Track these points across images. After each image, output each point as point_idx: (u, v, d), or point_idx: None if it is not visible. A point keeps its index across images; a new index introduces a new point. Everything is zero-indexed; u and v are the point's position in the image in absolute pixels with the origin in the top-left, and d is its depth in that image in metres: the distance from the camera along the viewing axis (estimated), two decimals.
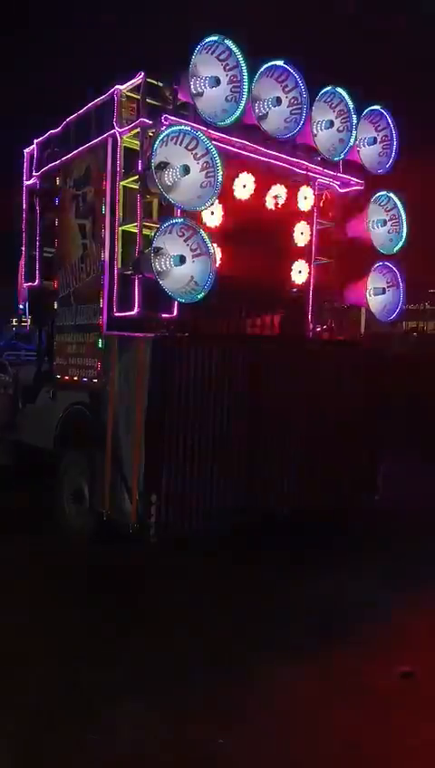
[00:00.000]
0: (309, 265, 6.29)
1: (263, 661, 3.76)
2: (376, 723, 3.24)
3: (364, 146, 6.33)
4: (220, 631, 4.12)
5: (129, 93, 5.27)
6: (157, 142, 4.78)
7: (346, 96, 5.97)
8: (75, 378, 5.78)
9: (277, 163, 5.92)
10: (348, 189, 6.54)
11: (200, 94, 5.12)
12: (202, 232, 5.02)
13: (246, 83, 5.18)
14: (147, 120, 5.04)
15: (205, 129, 5.07)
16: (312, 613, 4.45)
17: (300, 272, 6.24)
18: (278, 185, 5.98)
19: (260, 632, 4.15)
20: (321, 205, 6.46)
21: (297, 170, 6.08)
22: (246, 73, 5.17)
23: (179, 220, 5.00)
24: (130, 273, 5.13)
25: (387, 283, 6.41)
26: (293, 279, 6.23)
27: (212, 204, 5.11)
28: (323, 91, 5.85)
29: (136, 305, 5.11)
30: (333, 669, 3.73)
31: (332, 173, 6.31)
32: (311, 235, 6.27)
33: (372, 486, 6.12)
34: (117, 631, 4.09)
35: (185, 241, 5.02)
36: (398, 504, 6.65)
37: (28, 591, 4.61)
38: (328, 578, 5.01)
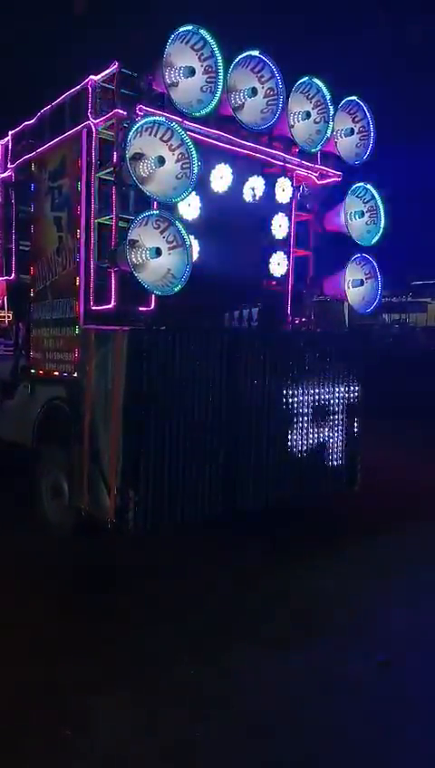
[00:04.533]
0: (287, 257, 6.29)
1: (244, 651, 3.78)
2: (357, 711, 3.26)
3: (341, 137, 6.31)
4: (202, 622, 4.12)
5: (103, 84, 5.20)
6: (131, 133, 4.72)
7: (323, 87, 5.94)
8: (53, 372, 5.72)
9: (254, 154, 5.89)
10: (326, 181, 6.54)
11: (175, 84, 5.07)
12: (178, 224, 4.99)
13: (221, 73, 5.13)
14: (121, 111, 4.98)
15: (180, 119, 5.03)
16: (294, 603, 4.47)
17: (278, 264, 6.24)
18: (256, 176, 5.96)
19: (241, 623, 4.16)
20: (299, 196, 6.45)
21: (275, 162, 6.06)
22: (221, 63, 5.12)
23: (155, 212, 4.95)
24: (106, 265, 5.09)
25: (365, 274, 6.42)
26: (271, 271, 6.22)
27: (188, 195, 5.07)
28: (299, 82, 5.81)
29: (112, 298, 5.07)
30: (313, 658, 3.75)
31: (309, 164, 6.30)
32: (289, 227, 6.27)
33: (351, 477, 6.14)
34: (97, 623, 4.08)
35: (161, 233, 4.98)
36: (377, 495, 6.69)
37: (6, 586, 4.56)
38: (309, 569, 5.03)
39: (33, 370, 6.07)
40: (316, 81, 5.92)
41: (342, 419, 6.02)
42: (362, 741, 3.04)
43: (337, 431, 6.00)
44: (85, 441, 4.95)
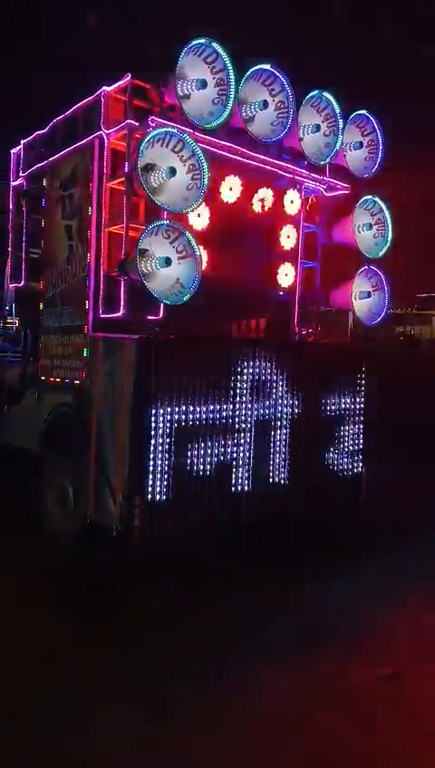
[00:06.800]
0: (295, 269, 6.33)
1: (247, 663, 3.77)
2: (360, 724, 3.24)
3: (350, 150, 6.36)
4: (205, 634, 4.11)
5: (116, 95, 5.27)
6: (143, 144, 4.78)
7: (333, 100, 5.99)
8: (60, 379, 5.75)
9: (264, 166, 5.95)
10: (334, 193, 6.58)
11: (187, 96, 5.12)
12: (188, 234, 5.03)
13: (232, 86, 5.18)
14: (134, 122, 5.04)
15: (191, 131, 5.08)
16: (296, 616, 4.45)
17: (286, 275, 6.27)
18: (265, 188, 6.01)
19: (245, 634, 4.15)
20: (307, 208, 6.50)
21: (284, 174, 6.11)
22: (233, 76, 5.17)
23: (165, 222, 5.00)
24: (115, 274, 5.13)
25: (372, 286, 6.45)
26: (279, 282, 6.26)
27: (198, 206, 5.12)
28: (309, 95, 5.86)
29: (122, 307, 5.11)
30: (317, 671, 3.73)
31: (318, 177, 6.34)
32: (297, 238, 6.31)
33: (356, 489, 6.14)
34: (100, 633, 4.07)
35: (171, 243, 5.02)
36: (382, 506, 6.67)
37: (10, 593, 4.57)
38: (313, 580, 5.02)
39: (40, 377, 6.10)
40: (326, 94, 5.98)
41: (347, 430, 6.02)
42: (371, 755, 3.02)
43: (343, 444, 6.01)
44: (92, 448, 4.97)
